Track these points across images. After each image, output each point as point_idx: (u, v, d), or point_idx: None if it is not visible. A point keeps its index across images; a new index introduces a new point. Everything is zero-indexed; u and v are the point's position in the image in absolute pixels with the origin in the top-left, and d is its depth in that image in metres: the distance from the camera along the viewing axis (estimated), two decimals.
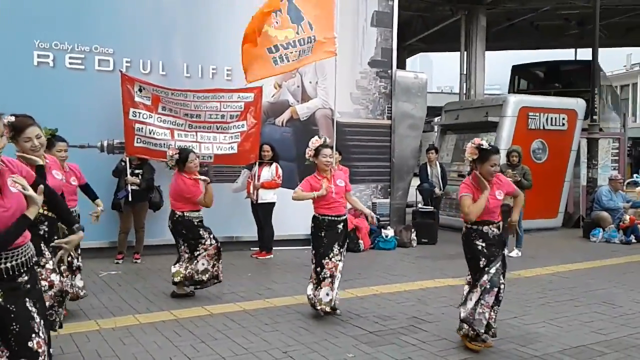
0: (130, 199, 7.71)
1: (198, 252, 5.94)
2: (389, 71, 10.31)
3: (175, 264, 6.02)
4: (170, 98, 7.98)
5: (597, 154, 12.39)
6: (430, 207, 10.47)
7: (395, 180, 10.48)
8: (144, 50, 8.37)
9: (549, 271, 7.91)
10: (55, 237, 4.14)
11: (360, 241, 9.25)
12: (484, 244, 4.56)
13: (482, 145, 4.51)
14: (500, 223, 4.68)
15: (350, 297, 6.20)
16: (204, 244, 5.95)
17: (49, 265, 4.23)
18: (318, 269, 5.37)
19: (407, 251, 9.44)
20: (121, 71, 7.91)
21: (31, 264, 2.86)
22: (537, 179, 9.55)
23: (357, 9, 9.92)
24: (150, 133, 7.87)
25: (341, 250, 5.48)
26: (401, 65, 15.68)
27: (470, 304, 4.51)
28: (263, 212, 8.47)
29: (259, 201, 8.41)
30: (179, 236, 6.02)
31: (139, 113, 7.83)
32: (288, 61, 7.77)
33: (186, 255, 6.00)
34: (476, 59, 15.90)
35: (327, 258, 5.34)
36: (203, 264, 5.95)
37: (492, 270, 4.49)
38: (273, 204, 8.45)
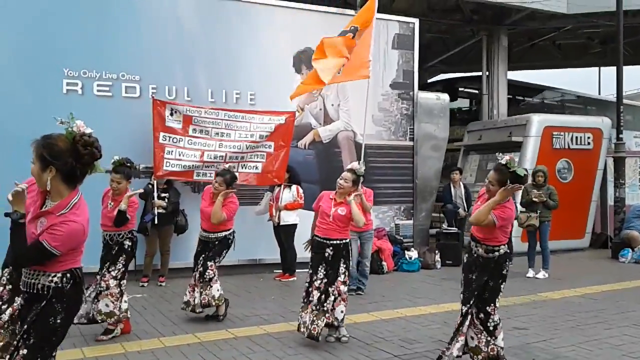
0: (156, 222, 7.81)
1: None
2: (411, 93, 10.35)
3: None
4: (203, 117, 8.14)
5: (624, 173, 12.18)
6: (454, 228, 10.38)
7: (418, 202, 10.44)
8: (169, 76, 8.55)
9: (578, 293, 7.76)
10: None
11: (384, 263, 9.20)
12: (465, 261, 4.56)
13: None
14: (496, 247, 4.36)
15: (374, 320, 6.16)
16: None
17: None
18: (308, 287, 5.35)
19: (432, 273, 9.36)
20: (153, 96, 8.08)
21: (31, 290, 2.80)
22: (563, 199, 9.44)
23: (378, 32, 9.96)
24: (180, 155, 8.04)
25: (334, 274, 5.25)
26: (422, 87, 15.70)
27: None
28: (285, 234, 8.49)
29: (281, 223, 8.44)
30: None
31: (169, 137, 8.00)
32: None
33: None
34: (498, 80, 15.82)
35: (308, 281, 5.36)
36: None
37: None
38: (295, 225, 8.47)
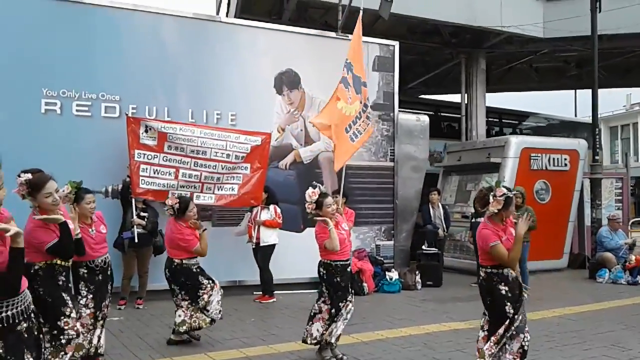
0: (136, 240, 7.71)
1: (202, 300, 5.88)
2: (391, 114, 10.45)
3: (178, 311, 5.91)
4: (178, 134, 8.04)
5: (600, 194, 12.38)
6: (434, 249, 10.41)
7: (398, 222, 10.48)
8: (149, 96, 8.52)
9: (556, 313, 7.80)
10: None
11: (365, 284, 9.17)
12: (506, 288, 4.37)
13: (507, 194, 4.42)
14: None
15: (355, 343, 6.12)
16: (205, 289, 5.91)
17: (74, 315, 4.06)
18: (333, 311, 5.40)
19: (412, 294, 9.35)
20: (127, 114, 8.02)
21: (29, 312, 3.02)
22: (541, 219, 9.51)
23: None
24: (155, 173, 7.95)
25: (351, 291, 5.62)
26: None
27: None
28: (262, 255, 8.43)
29: (261, 244, 8.39)
30: (178, 285, 5.91)
31: (144, 154, 7.91)
32: (360, 134, 8.29)
33: (185, 303, 5.89)
34: (477, 101, 16.08)
35: (345, 301, 5.44)
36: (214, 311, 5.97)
37: (520, 318, 4.38)
38: (273, 246, 8.44)
